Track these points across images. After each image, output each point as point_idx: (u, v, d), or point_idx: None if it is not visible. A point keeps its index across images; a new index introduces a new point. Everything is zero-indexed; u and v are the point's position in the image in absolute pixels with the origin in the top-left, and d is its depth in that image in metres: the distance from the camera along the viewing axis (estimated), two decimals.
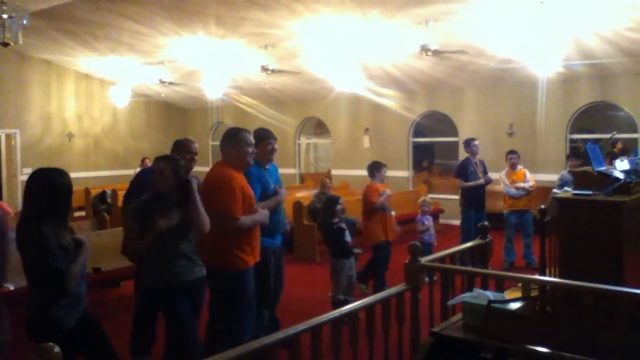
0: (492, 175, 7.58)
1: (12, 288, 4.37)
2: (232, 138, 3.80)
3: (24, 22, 5.57)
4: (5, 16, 5.31)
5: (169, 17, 8.25)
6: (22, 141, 12.13)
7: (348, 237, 5.36)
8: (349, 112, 12.46)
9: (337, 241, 5.31)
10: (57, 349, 1.58)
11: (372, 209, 5.86)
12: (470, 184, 7.20)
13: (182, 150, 4.39)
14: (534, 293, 2.78)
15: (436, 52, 8.39)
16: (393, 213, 6.25)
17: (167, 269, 3.37)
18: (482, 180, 7.25)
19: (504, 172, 7.51)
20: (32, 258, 2.80)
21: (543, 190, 8.03)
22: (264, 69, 10.05)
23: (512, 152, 7.62)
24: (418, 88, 11.17)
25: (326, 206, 5.53)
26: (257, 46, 9.36)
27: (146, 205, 3.40)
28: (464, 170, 7.29)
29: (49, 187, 2.82)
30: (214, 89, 11.51)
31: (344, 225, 5.39)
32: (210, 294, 3.76)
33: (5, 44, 5.41)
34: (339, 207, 5.38)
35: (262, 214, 3.84)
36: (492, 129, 10.44)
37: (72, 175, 3.15)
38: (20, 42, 5.40)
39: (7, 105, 11.90)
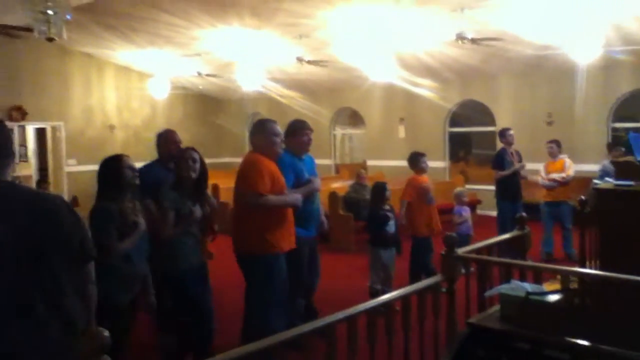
0: (532, 165, 7.46)
1: None
2: (260, 129, 3.95)
3: (67, 17, 5.71)
4: (50, 12, 5.45)
5: (205, 9, 8.35)
6: (67, 133, 12.49)
7: (391, 228, 5.35)
8: (383, 102, 12.39)
9: (376, 228, 5.33)
10: (106, 333, 1.65)
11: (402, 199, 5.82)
12: (505, 172, 7.09)
13: (166, 142, 4.43)
14: (573, 285, 2.75)
15: (472, 40, 8.27)
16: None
17: (189, 253, 3.59)
18: (517, 166, 7.12)
19: (544, 162, 7.40)
20: (91, 231, 3.00)
21: (583, 180, 7.86)
22: (299, 59, 10.08)
23: (550, 141, 7.48)
24: (453, 76, 11.02)
25: (374, 192, 5.56)
26: (291, 37, 9.39)
27: (177, 195, 3.59)
28: (500, 161, 7.19)
29: (101, 169, 3.21)
30: (249, 80, 11.61)
31: (390, 214, 5.39)
32: (245, 281, 3.86)
33: (51, 39, 5.57)
34: (387, 193, 5.41)
35: (292, 196, 3.89)
36: (529, 117, 10.24)
37: None
38: (65, 37, 5.55)
39: (52, 99, 12.26)
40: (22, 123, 12.12)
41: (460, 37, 8.20)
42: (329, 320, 2.42)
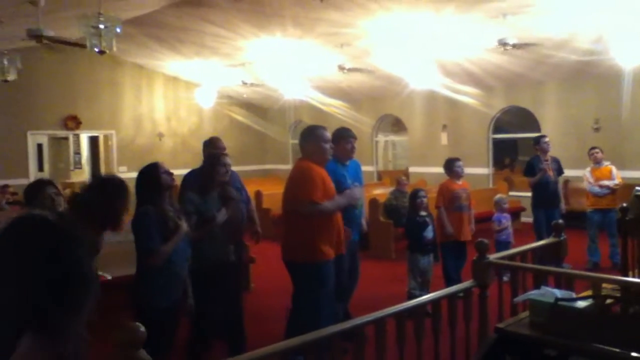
0: (578, 172, 7.31)
1: (109, 277, 4.74)
2: (310, 135, 4.00)
3: (118, 30, 5.97)
4: (101, 26, 5.72)
5: (248, 20, 8.57)
6: (118, 141, 13.00)
7: (429, 234, 5.38)
8: (425, 109, 12.35)
9: (414, 234, 5.37)
10: (142, 329, 1.74)
11: (436, 207, 5.83)
12: (534, 179, 6.96)
13: (212, 148, 4.60)
14: (608, 292, 2.73)
15: (515, 46, 8.18)
16: (472, 211, 6.15)
17: (218, 251, 3.71)
18: (542, 174, 6.94)
19: (588, 169, 7.23)
20: (135, 236, 3.17)
21: (630, 188, 7.62)
22: (340, 68, 10.20)
23: (594, 147, 7.33)
24: (496, 83, 10.90)
25: (410, 199, 5.65)
26: (333, 45, 9.52)
27: (201, 199, 3.74)
28: (531, 168, 7.08)
29: (140, 177, 3.35)
30: (292, 88, 11.80)
31: (428, 220, 5.43)
32: (293, 287, 3.96)
33: (102, 52, 5.83)
34: (418, 200, 5.45)
35: (343, 196, 3.95)
36: (576, 124, 10.02)
37: None
38: (115, 49, 5.82)
39: (104, 108, 12.80)
40: (76, 132, 12.71)
41: (502, 44, 8.13)
42: (357, 322, 2.49)
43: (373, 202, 8.36)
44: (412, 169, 12.73)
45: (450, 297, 2.98)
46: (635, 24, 7.09)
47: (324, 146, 3.93)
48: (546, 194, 6.97)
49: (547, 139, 7.21)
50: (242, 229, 4.28)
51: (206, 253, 3.69)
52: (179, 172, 4.85)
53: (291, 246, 3.86)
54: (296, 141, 5.41)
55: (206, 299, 3.70)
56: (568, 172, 7.65)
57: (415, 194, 5.52)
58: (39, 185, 3.62)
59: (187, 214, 3.62)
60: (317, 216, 3.74)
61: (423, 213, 5.41)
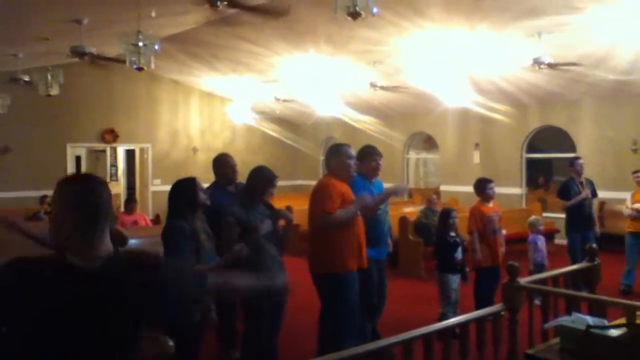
0: (615, 193, 7.14)
1: None
2: (334, 152, 4.17)
3: (156, 47, 6.15)
4: (140, 44, 5.91)
5: (282, 37, 8.70)
6: (153, 155, 13.27)
7: (459, 255, 5.32)
8: (457, 127, 12.26)
9: (445, 254, 5.31)
10: (171, 343, 1.79)
11: (469, 232, 5.73)
12: (570, 203, 6.81)
13: (223, 165, 4.64)
14: None
15: (550, 65, 8.09)
16: (504, 231, 6.04)
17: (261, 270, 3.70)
18: (583, 195, 6.78)
19: (631, 192, 7.08)
20: (164, 248, 3.24)
21: None
22: (372, 85, 10.23)
23: (637, 170, 7.16)
24: (531, 101, 10.77)
25: (441, 218, 5.59)
26: (365, 63, 9.57)
27: (243, 210, 3.80)
28: (565, 191, 6.92)
29: (176, 189, 3.44)
30: (323, 105, 11.88)
31: (459, 240, 5.37)
32: (320, 300, 4.03)
33: (140, 69, 6.01)
34: (450, 220, 5.39)
35: (355, 204, 3.95)
36: (613, 144, 9.80)
37: None
38: (152, 66, 5.99)
39: (141, 122, 13.11)
40: (113, 145, 13.04)
41: (538, 62, 8.03)
42: (384, 343, 2.49)
43: (403, 220, 8.31)
44: (443, 188, 12.62)
45: (479, 320, 2.95)
46: None
47: (347, 162, 4.07)
48: (581, 217, 6.82)
49: (581, 161, 7.06)
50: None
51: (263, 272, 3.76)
52: None
53: (315, 258, 4.01)
54: None
55: (258, 319, 3.77)
56: (605, 194, 7.48)
57: (447, 214, 5.44)
58: None
59: (227, 225, 3.70)
60: (332, 226, 3.84)
61: (453, 233, 5.36)
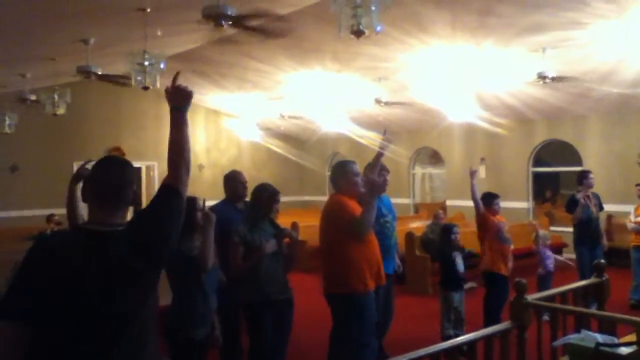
0: (622, 207, 7.11)
1: None
2: (341, 170, 4.06)
3: (162, 66, 6.20)
4: (146, 63, 5.96)
5: (289, 55, 8.76)
6: (160, 172, 13.32)
7: (460, 267, 5.28)
8: (463, 142, 12.27)
9: (446, 270, 5.27)
10: None
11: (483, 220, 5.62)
12: (576, 213, 6.76)
13: (233, 182, 4.65)
14: None
15: (555, 80, 8.09)
16: (512, 246, 6.00)
17: (262, 286, 3.72)
18: (582, 207, 6.76)
19: (635, 205, 7.04)
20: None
21: None
22: (377, 101, 10.26)
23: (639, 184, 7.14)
24: (537, 116, 10.77)
25: (442, 233, 5.55)
26: (371, 79, 9.61)
27: (248, 230, 3.78)
28: (573, 205, 6.88)
29: None
30: (329, 121, 11.91)
31: (459, 253, 5.34)
32: (332, 320, 3.92)
33: (146, 88, 6.06)
34: (453, 236, 5.37)
35: (367, 192, 3.82)
36: (619, 158, 9.77)
37: None
38: (158, 85, 6.03)
39: (147, 140, 13.18)
40: None
41: (542, 77, 8.04)
42: None
43: (409, 236, 8.28)
44: (450, 202, 12.58)
45: (487, 338, 2.91)
46: None
47: (355, 180, 3.98)
48: (589, 231, 6.77)
49: (592, 175, 7.04)
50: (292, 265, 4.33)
51: (265, 288, 3.75)
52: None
53: (332, 278, 3.86)
54: None
55: (261, 335, 3.74)
56: (611, 208, 7.45)
57: (449, 230, 5.41)
58: None
59: (233, 245, 3.70)
60: (365, 226, 3.71)
61: (455, 250, 5.33)
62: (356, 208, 3.86)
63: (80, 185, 2.88)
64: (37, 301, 1.68)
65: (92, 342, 1.73)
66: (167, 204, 1.96)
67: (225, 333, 4.32)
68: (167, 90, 2.13)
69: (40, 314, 1.69)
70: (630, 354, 2.39)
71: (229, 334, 4.33)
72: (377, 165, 4.52)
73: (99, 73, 6.60)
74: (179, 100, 2.13)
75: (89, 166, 2.32)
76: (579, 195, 6.77)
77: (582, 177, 7.06)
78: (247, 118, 13.72)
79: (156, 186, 13.25)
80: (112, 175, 1.95)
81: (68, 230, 2.12)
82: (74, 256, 1.75)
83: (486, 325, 5.38)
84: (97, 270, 1.75)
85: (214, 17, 5.87)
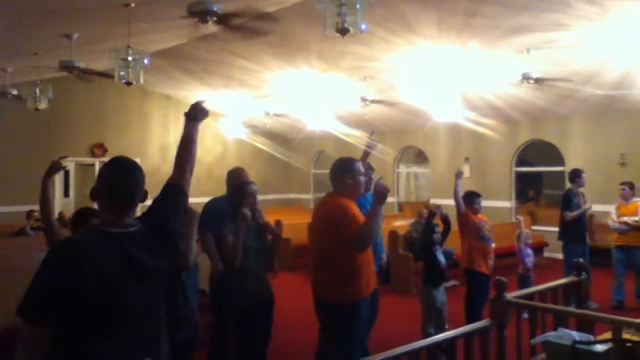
0: (603, 207, 7.22)
1: None
2: (346, 168, 3.74)
3: (145, 62, 6.15)
4: (130, 58, 5.91)
5: (275, 53, 8.75)
6: (144, 169, 13.22)
7: (442, 261, 5.30)
8: (448, 141, 12.35)
9: (428, 264, 5.29)
10: None
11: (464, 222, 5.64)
12: (575, 213, 6.87)
13: (235, 179, 4.63)
14: (627, 335, 2.66)
15: (538, 81, 8.17)
16: (493, 245, 6.05)
17: (245, 285, 3.74)
18: (587, 206, 6.92)
19: (616, 204, 7.13)
20: None
21: None
22: (363, 100, 10.30)
23: (623, 182, 7.23)
24: (521, 117, 10.87)
25: (424, 230, 5.55)
26: (357, 78, 9.63)
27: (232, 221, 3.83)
28: (568, 202, 6.99)
29: None
30: (315, 119, 11.92)
31: (440, 249, 5.36)
32: (320, 326, 3.80)
33: (129, 83, 6.02)
34: (434, 236, 5.39)
35: (375, 198, 3.52)
36: (602, 158, 9.90)
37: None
38: (141, 81, 5.99)
39: (132, 136, 13.08)
40: (102, 159, 12.97)
41: (526, 78, 8.12)
42: None
43: (393, 234, 8.30)
44: (434, 201, 12.63)
45: (467, 336, 2.94)
46: None
47: (360, 179, 3.75)
48: (582, 228, 6.89)
49: (584, 174, 7.15)
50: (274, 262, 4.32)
51: (247, 288, 3.75)
52: (203, 200, 4.93)
53: (327, 285, 3.63)
54: (319, 171, 5.47)
55: (243, 334, 3.74)
56: (593, 208, 7.52)
57: (432, 228, 5.43)
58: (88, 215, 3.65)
59: (224, 236, 3.77)
60: (371, 239, 3.53)
61: (437, 247, 5.36)
62: (357, 213, 3.65)
63: (53, 179, 2.88)
64: (68, 306, 1.74)
65: (125, 342, 1.82)
66: (176, 202, 2.12)
67: (217, 332, 4.33)
68: (193, 105, 2.38)
69: (72, 319, 1.76)
70: (605, 351, 2.43)
71: (221, 333, 4.33)
72: (364, 165, 4.50)
73: (82, 68, 6.54)
74: (198, 114, 2.36)
75: (63, 162, 2.31)
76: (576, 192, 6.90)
77: (575, 176, 7.15)
78: (233, 116, 13.67)
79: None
80: (126, 177, 2.03)
81: (81, 233, 2.15)
82: (99, 260, 1.81)
83: (467, 323, 5.44)
84: (123, 271, 1.83)
85: (199, 13, 5.87)
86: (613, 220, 7.00)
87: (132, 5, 5.42)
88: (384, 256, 5.14)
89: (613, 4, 5.80)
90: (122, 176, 2.02)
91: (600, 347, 2.44)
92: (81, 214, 3.19)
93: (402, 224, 9.57)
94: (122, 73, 5.80)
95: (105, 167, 2.07)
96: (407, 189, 14.90)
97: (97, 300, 1.77)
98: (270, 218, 5.30)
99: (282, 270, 4.96)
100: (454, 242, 6.51)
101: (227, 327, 4.37)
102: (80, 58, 6.65)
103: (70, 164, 14.24)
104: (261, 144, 15.31)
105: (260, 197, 4.59)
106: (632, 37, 6.63)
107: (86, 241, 1.90)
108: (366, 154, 4.50)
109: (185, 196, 2.16)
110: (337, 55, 8.50)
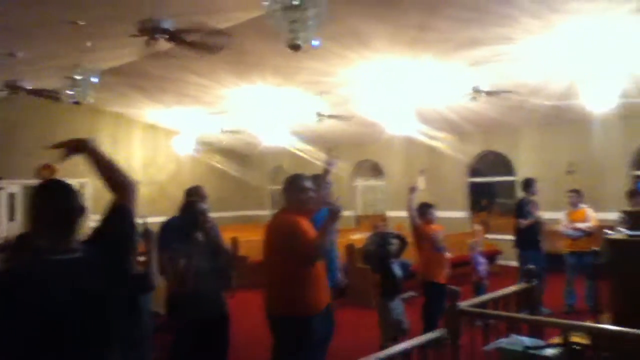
0: (553, 214, 7.46)
1: None
2: (295, 185, 3.78)
3: (94, 80, 6.04)
4: (77, 77, 5.79)
5: (230, 69, 8.72)
6: (93, 189, 12.88)
7: (397, 270, 5.34)
8: (403, 154, 12.53)
9: (384, 277, 5.32)
10: None
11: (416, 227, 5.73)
12: (528, 221, 7.06)
13: (194, 196, 4.64)
14: (576, 339, 2.74)
15: (488, 93, 8.41)
16: (448, 254, 6.14)
17: (199, 304, 3.71)
18: (538, 215, 7.11)
19: (565, 211, 7.36)
20: None
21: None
22: (319, 114, 10.36)
23: (571, 190, 7.48)
24: (473, 129, 11.13)
25: (379, 243, 5.57)
26: (313, 93, 9.69)
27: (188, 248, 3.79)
28: (522, 210, 7.17)
29: None
30: (271, 135, 11.90)
31: (395, 262, 5.40)
32: (273, 343, 3.71)
33: (77, 103, 5.88)
34: (389, 247, 5.43)
35: (328, 217, 3.60)
36: (550, 167, 10.25)
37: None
38: (91, 100, 5.87)
39: (80, 157, 12.73)
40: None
41: (476, 91, 8.35)
42: None
43: (350, 248, 8.33)
44: (390, 214, 12.78)
45: (422, 347, 2.96)
46: (601, 71, 7.36)
47: (309, 196, 3.77)
48: (536, 235, 7.06)
49: (537, 183, 7.36)
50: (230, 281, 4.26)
51: (201, 306, 3.68)
52: (157, 219, 4.83)
53: (279, 300, 3.61)
54: (276, 187, 5.44)
55: (200, 354, 3.66)
56: (542, 215, 7.74)
57: (386, 240, 5.48)
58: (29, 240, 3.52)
59: (174, 259, 3.69)
60: (320, 254, 3.55)
61: (393, 259, 5.41)
62: (308, 228, 3.67)
63: None
64: (10, 339, 1.67)
65: None
66: (123, 223, 2.05)
67: (175, 353, 4.23)
68: (69, 147, 2.30)
69: (15, 351, 1.67)
70: (555, 355, 2.49)
71: (179, 353, 4.22)
72: (326, 182, 4.45)
73: (27, 87, 6.36)
74: (84, 146, 2.27)
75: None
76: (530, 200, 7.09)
77: (528, 185, 7.35)
78: (186, 133, 13.51)
79: (89, 204, 12.80)
80: (60, 204, 1.93)
81: (19, 263, 2.09)
82: (35, 292, 1.71)
83: (425, 333, 5.48)
84: (68, 300, 1.74)
85: (149, 30, 5.80)
86: (565, 226, 7.21)
87: (82, 23, 5.32)
88: (341, 275, 5.12)
89: (557, 17, 6.02)
90: (55, 204, 1.92)
91: (550, 351, 2.50)
92: (22, 239, 3.08)
93: (359, 237, 9.61)
94: (70, 92, 5.68)
95: (37, 195, 1.95)
96: (364, 202, 15.00)
97: (33, 333, 1.68)
98: (226, 235, 5.26)
99: (239, 289, 4.89)
100: (409, 254, 6.58)
101: (185, 347, 4.28)
102: (27, 76, 6.47)
103: (16, 187, 13.72)
104: (216, 161, 15.18)
105: (216, 215, 4.56)
106: (576, 49, 6.89)
107: (23, 272, 1.80)
108: (326, 172, 4.49)
109: (131, 215, 2.09)
110: (292, 71, 8.54)
